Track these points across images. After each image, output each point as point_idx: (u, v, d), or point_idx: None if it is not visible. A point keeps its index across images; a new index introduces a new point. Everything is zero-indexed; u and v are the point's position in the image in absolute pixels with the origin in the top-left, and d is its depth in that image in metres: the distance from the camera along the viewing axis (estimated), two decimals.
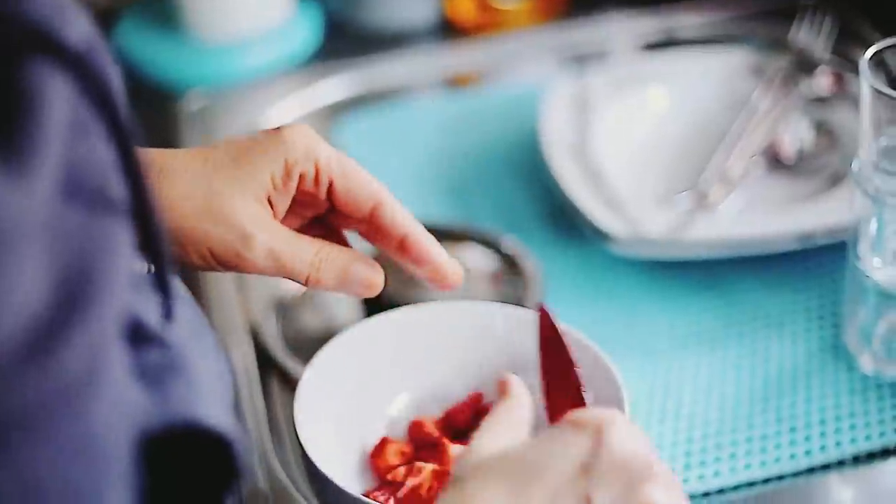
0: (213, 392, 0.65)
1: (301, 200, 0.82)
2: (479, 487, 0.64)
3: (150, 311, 0.64)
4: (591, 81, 1.29)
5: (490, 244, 1.16)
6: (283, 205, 0.80)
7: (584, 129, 1.23)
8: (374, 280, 0.83)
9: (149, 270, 0.66)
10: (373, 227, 0.83)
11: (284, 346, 1.09)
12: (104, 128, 0.56)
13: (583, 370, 0.91)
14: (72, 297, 0.52)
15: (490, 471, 0.65)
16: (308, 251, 0.79)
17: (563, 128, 1.23)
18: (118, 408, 0.55)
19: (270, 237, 0.77)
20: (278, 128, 0.81)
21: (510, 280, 1.13)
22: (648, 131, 1.26)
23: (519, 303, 1.09)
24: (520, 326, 0.94)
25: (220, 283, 1.14)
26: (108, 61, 0.57)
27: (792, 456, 0.95)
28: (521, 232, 1.19)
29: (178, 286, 0.69)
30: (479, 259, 1.15)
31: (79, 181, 0.54)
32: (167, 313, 0.64)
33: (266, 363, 1.07)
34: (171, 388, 0.62)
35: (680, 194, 1.15)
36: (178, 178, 0.77)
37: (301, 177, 0.79)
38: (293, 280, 0.79)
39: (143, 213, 0.59)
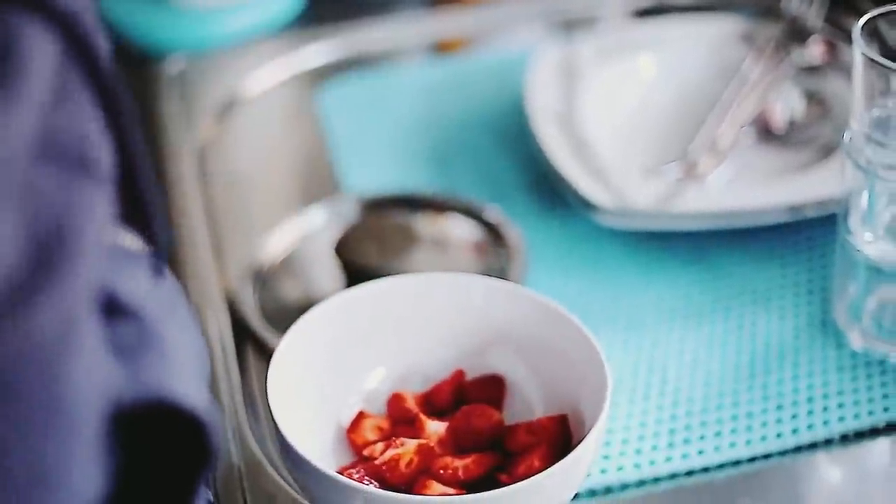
0: (187, 368, 0.63)
1: None
2: None
3: (125, 283, 0.62)
4: (579, 48, 1.26)
5: (473, 214, 1.14)
6: None
7: (570, 96, 1.21)
8: None
9: (127, 242, 0.64)
10: None
11: (261, 317, 1.06)
12: (91, 92, 0.55)
13: (567, 346, 0.89)
14: (45, 259, 0.51)
15: None
16: None
17: (550, 95, 1.21)
18: (90, 377, 0.54)
19: None
20: None
21: (493, 251, 1.11)
22: (637, 100, 1.23)
23: (502, 274, 1.07)
24: (500, 298, 0.92)
25: (197, 251, 1.12)
26: (97, 27, 0.56)
27: (778, 434, 0.93)
28: (506, 201, 1.16)
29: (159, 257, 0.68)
30: (461, 229, 1.13)
31: (58, 143, 0.53)
32: (154, 281, 0.62)
33: (242, 334, 1.05)
34: (145, 362, 0.60)
35: (668, 164, 1.12)
36: None
37: None
38: None
39: (132, 182, 0.57)
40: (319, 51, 1.37)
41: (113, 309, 0.60)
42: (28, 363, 0.50)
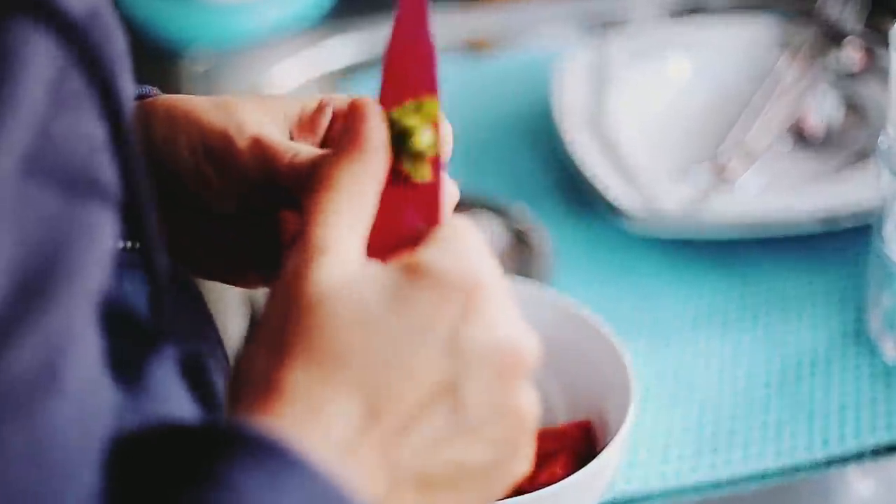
0: (197, 384, 0.60)
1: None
2: (331, 391, 0.53)
3: (132, 293, 0.59)
4: (610, 49, 1.24)
5: (499, 214, 1.11)
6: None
7: (600, 98, 1.18)
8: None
9: (134, 249, 0.61)
10: None
11: None
12: (96, 103, 0.51)
13: (592, 352, 0.87)
14: (34, 286, 0.48)
15: (343, 362, 0.53)
16: (301, 145, 0.67)
17: (579, 97, 1.18)
18: (83, 412, 0.50)
19: (267, 129, 0.67)
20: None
21: (519, 253, 1.08)
22: (668, 103, 1.21)
23: (527, 276, 1.04)
24: (523, 301, 0.89)
25: None
26: (113, 30, 0.53)
27: (808, 446, 0.91)
28: (533, 204, 1.14)
29: (170, 265, 0.65)
30: (486, 229, 1.11)
31: (55, 158, 0.50)
32: (156, 299, 0.59)
33: None
34: (150, 379, 0.57)
35: (698, 166, 1.10)
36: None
37: (334, 117, 0.69)
38: (275, 174, 0.66)
39: (133, 197, 0.54)
40: (346, 48, 1.35)
41: (119, 323, 0.57)
42: (4, 408, 0.46)
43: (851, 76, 1.20)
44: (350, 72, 1.34)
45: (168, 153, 0.67)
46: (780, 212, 1.04)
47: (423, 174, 0.59)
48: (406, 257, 0.56)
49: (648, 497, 0.89)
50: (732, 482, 0.89)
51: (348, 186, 0.57)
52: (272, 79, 1.31)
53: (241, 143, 0.65)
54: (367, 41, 1.36)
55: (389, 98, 0.60)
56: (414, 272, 0.55)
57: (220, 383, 0.63)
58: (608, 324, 0.91)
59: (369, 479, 0.53)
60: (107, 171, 0.52)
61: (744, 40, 1.25)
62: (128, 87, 0.54)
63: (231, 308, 1.05)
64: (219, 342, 0.68)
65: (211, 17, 1.37)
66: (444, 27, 1.38)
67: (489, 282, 0.56)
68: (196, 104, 0.68)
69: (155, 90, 0.72)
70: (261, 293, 1.05)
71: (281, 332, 0.54)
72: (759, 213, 1.05)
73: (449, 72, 1.33)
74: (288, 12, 1.38)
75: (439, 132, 0.60)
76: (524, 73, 1.31)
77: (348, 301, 0.54)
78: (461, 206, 1.11)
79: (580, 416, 0.86)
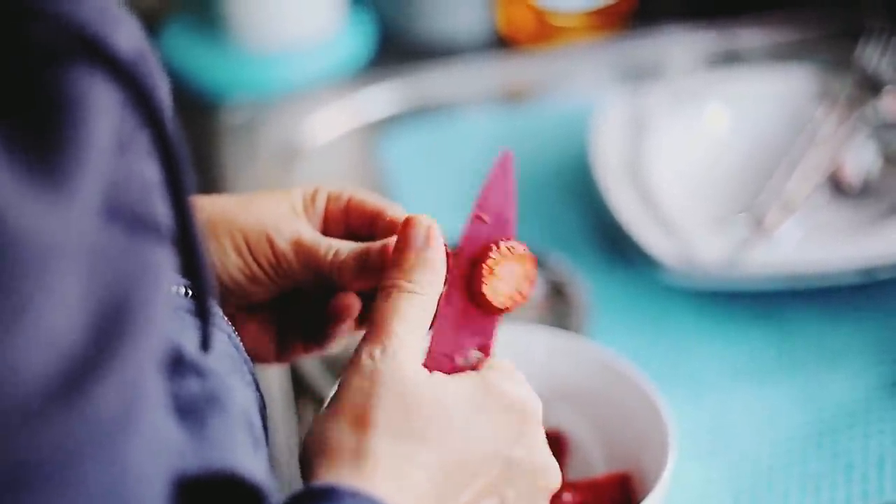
0: (251, 430, 0.61)
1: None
2: (412, 464, 0.63)
3: (189, 338, 0.60)
4: (648, 98, 1.24)
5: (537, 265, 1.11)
6: (322, 199, 0.77)
7: (638, 148, 1.18)
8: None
9: (187, 295, 0.62)
10: (378, 229, 0.78)
11: (322, 370, 1.04)
12: (149, 143, 0.53)
13: (630, 403, 0.86)
14: (110, 328, 0.49)
15: (424, 443, 0.63)
16: (333, 242, 0.75)
17: (617, 146, 1.19)
18: (153, 450, 0.51)
19: (299, 227, 0.75)
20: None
21: (557, 304, 1.08)
22: (705, 153, 1.21)
23: (565, 327, 1.04)
24: (562, 352, 0.90)
25: None
26: (157, 72, 0.54)
27: (847, 499, 0.90)
28: (570, 254, 1.14)
29: (216, 312, 0.66)
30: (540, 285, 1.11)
31: (120, 201, 0.51)
32: (206, 341, 0.60)
33: (301, 387, 1.03)
34: (210, 425, 0.58)
35: (736, 217, 1.10)
36: (215, 197, 0.77)
37: (327, 198, 0.77)
38: (318, 269, 0.74)
39: (185, 236, 0.55)
40: (385, 98, 1.36)
41: (179, 366, 0.58)
42: (87, 446, 0.47)
43: (889, 126, 1.19)
44: (390, 121, 1.34)
45: (214, 253, 0.73)
46: (818, 263, 1.04)
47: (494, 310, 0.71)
48: (475, 374, 0.67)
49: None
50: None
51: (421, 302, 0.67)
52: (311, 129, 1.32)
53: (283, 244, 0.73)
54: (406, 91, 1.36)
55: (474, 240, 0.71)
56: (486, 388, 0.66)
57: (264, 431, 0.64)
58: (645, 375, 0.91)
59: None
60: (161, 211, 0.53)
61: (781, 90, 1.25)
62: (175, 129, 0.55)
63: (272, 368, 1.05)
64: (258, 388, 0.68)
65: (250, 66, 1.38)
66: (481, 76, 1.39)
67: (536, 411, 0.67)
68: (227, 207, 0.75)
69: None
70: None
71: (365, 407, 0.62)
72: (796, 265, 1.04)
73: (486, 121, 1.35)
74: (328, 62, 1.39)
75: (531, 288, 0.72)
76: (561, 122, 1.31)
77: (430, 394, 0.64)
78: None
79: (618, 468, 0.86)
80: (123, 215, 0.51)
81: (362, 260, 0.72)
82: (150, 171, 0.53)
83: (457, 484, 0.64)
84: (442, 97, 1.38)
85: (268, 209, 0.75)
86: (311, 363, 1.04)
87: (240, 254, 0.74)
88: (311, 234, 0.74)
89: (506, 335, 0.90)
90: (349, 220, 0.78)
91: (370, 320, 0.67)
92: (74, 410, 0.46)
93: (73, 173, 0.48)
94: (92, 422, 0.47)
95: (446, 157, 1.30)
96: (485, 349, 0.70)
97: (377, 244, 0.73)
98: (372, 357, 0.64)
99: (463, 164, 1.28)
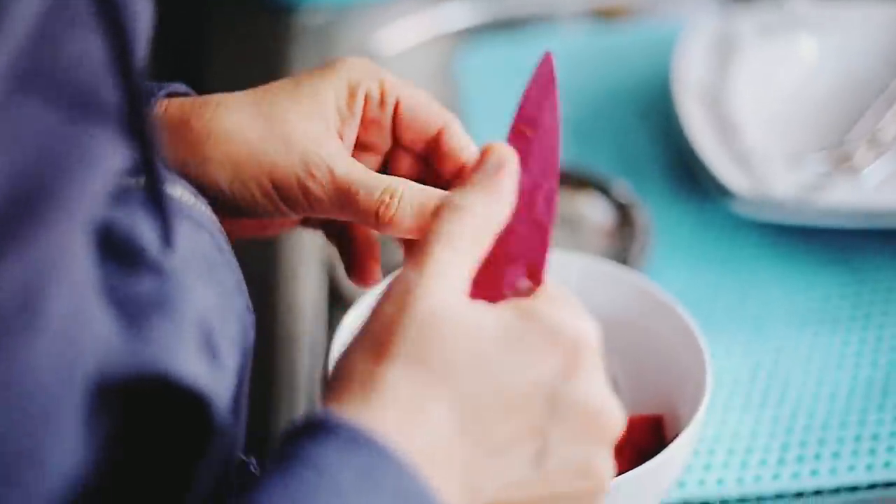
0: (202, 338, 0.55)
1: (363, 140, 0.73)
2: (429, 398, 0.54)
3: (148, 233, 0.55)
4: (738, 23, 1.16)
5: (601, 189, 1.05)
6: (351, 134, 0.71)
7: (722, 74, 1.11)
8: None
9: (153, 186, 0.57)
10: (435, 154, 0.73)
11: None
12: (101, 23, 0.48)
13: (667, 337, 0.80)
14: (22, 207, 0.45)
15: (446, 375, 0.54)
16: (381, 182, 0.68)
17: (700, 71, 1.11)
18: (67, 345, 0.47)
19: (336, 164, 0.68)
20: (334, 59, 0.73)
21: (618, 231, 1.02)
22: (794, 83, 1.13)
23: (624, 257, 0.98)
24: (597, 280, 0.83)
25: None
26: None
27: None
28: (640, 181, 1.08)
29: (201, 213, 0.61)
30: (586, 205, 1.04)
31: (53, 76, 0.47)
32: (167, 237, 0.55)
33: (338, 301, 0.98)
34: (153, 327, 0.53)
35: (819, 153, 1.02)
36: (235, 107, 0.69)
37: (366, 99, 0.71)
38: (361, 220, 0.68)
39: (135, 124, 0.51)
40: (464, 10, 1.29)
41: (129, 262, 0.54)
42: None
43: None
44: (468, 34, 1.28)
45: (239, 196, 0.68)
46: None
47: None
48: (520, 302, 0.58)
49: (724, 502, 0.82)
50: (817, 493, 0.82)
51: (474, 224, 0.58)
52: (388, 36, 1.26)
53: (315, 187, 0.68)
54: (482, 5, 1.30)
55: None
56: (529, 317, 0.57)
57: (231, 356, 0.59)
58: (705, 314, 0.85)
59: (448, 492, 0.53)
60: (109, 94, 0.49)
61: (880, 21, 1.16)
62: (138, 8, 0.50)
63: (308, 275, 1.00)
64: (247, 311, 0.63)
65: None
66: None
67: (592, 344, 0.58)
68: (250, 138, 0.68)
69: (183, 87, 0.71)
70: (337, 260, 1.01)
71: (387, 335, 0.55)
72: (877, 204, 0.96)
73: (570, 39, 1.27)
74: None
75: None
76: (650, 43, 1.24)
77: (462, 323, 0.55)
78: (564, 181, 1.06)
79: (653, 410, 0.80)
80: (57, 94, 0.47)
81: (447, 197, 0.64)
82: (100, 53, 0.49)
83: (486, 421, 0.55)
84: (528, 11, 1.31)
85: (298, 136, 0.68)
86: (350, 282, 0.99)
87: (267, 196, 0.69)
88: (351, 172, 0.68)
89: None
90: (397, 130, 0.73)
91: (416, 241, 0.61)
92: None
93: None
94: None
95: (523, 74, 1.23)
96: (535, 277, 0.61)
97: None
98: (405, 281, 0.56)
99: None
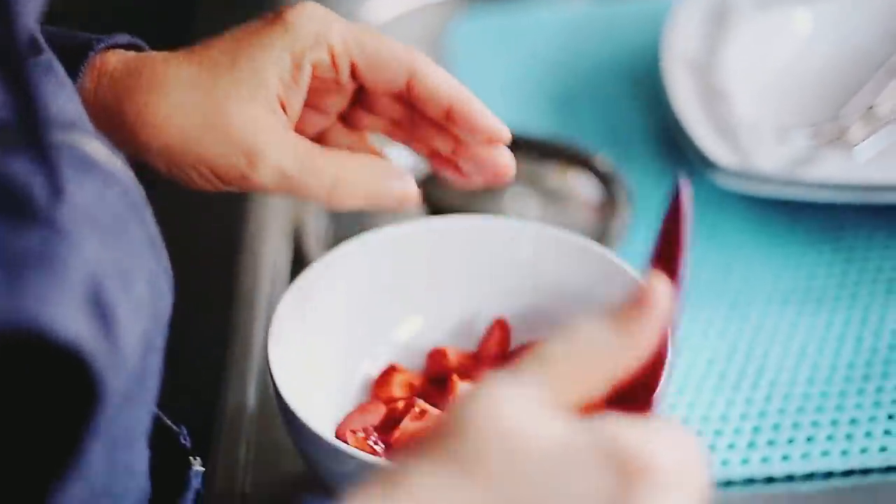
0: (88, 298, 0.51)
1: (322, 89, 0.70)
2: (452, 488, 0.47)
3: (38, 186, 0.51)
4: None
5: (581, 162, 1.01)
6: (298, 103, 0.68)
7: (714, 45, 1.06)
8: (407, 193, 0.70)
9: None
10: (412, 103, 0.71)
11: (328, 244, 0.95)
12: None
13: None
14: None
15: (474, 471, 0.47)
16: (327, 168, 0.66)
17: (691, 41, 1.06)
18: None
19: (280, 153, 0.65)
20: (280, 11, 0.69)
21: (600, 205, 0.98)
22: (788, 56, 1.08)
23: (607, 230, 0.94)
24: (550, 248, 0.79)
25: None
26: None
27: (882, 448, 0.78)
28: (626, 153, 1.04)
29: (113, 169, 0.57)
30: (565, 177, 1.00)
31: None
32: (55, 189, 0.52)
33: (302, 265, 0.94)
34: (30, 281, 0.49)
35: (811, 127, 0.97)
36: (169, 88, 0.66)
37: (314, 66, 0.68)
38: (309, 199, 0.67)
39: (11, 71, 0.48)
40: None
41: (18, 214, 0.50)
42: None
43: None
44: (460, 2, 1.24)
45: (178, 178, 0.67)
46: (891, 179, 0.91)
47: None
48: (604, 420, 0.48)
49: None
50: (789, 479, 0.78)
51: (587, 343, 0.50)
52: (375, 6, 1.22)
53: (257, 178, 0.65)
54: None
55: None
56: (595, 431, 0.47)
57: (135, 319, 0.54)
58: (685, 290, 0.79)
59: None
60: None
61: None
62: None
63: (273, 237, 0.97)
64: (162, 273, 0.59)
65: None
66: None
67: (672, 477, 0.47)
68: (185, 128, 0.65)
69: (125, 38, 0.69)
70: (308, 227, 0.97)
71: (426, 435, 0.48)
72: (870, 177, 0.91)
73: (561, 10, 1.23)
74: None
75: None
76: (642, 15, 1.19)
77: (512, 428, 0.47)
78: (540, 150, 1.02)
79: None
80: None
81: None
82: None
83: None
84: None
85: (239, 126, 0.65)
86: (318, 242, 0.95)
87: (210, 182, 0.67)
88: (296, 160, 0.65)
89: (491, 228, 0.81)
90: (363, 84, 0.70)
91: None
92: None
93: None
94: None
95: (514, 45, 1.19)
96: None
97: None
98: (473, 390, 0.49)
99: (530, 54, 1.18)
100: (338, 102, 0.72)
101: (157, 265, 0.58)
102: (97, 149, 0.56)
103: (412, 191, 0.70)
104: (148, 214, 0.58)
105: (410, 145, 0.74)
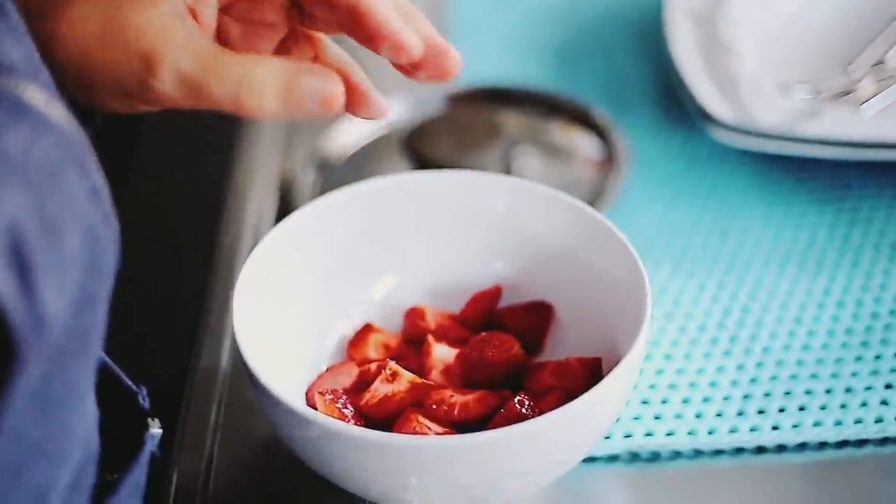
0: (19, 243, 0.48)
1: (256, 18, 0.66)
2: None
3: None
4: None
5: (576, 116, 0.97)
6: (211, 11, 0.63)
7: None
8: (330, 92, 0.60)
9: None
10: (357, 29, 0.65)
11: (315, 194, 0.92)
12: None
13: (605, 266, 0.73)
14: None
15: None
16: (233, 68, 0.59)
17: None
18: None
19: (179, 55, 0.59)
20: None
21: (597, 161, 0.94)
22: (794, 8, 1.03)
23: (603, 187, 0.90)
24: (527, 202, 0.76)
25: (263, 132, 0.99)
26: None
27: (878, 419, 0.75)
28: (624, 107, 1.00)
29: (48, 114, 0.53)
30: (559, 131, 0.97)
31: None
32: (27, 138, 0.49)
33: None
34: None
35: (816, 82, 0.93)
36: (74, 1, 0.61)
37: None
38: (221, 108, 0.60)
39: None
40: None
41: None
42: None
43: None
44: None
45: (90, 100, 0.62)
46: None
47: None
48: None
49: (677, 455, 0.75)
50: (780, 449, 0.74)
51: None
52: None
53: (160, 85, 0.60)
54: None
55: None
56: None
57: (66, 271, 0.51)
58: (680, 250, 0.77)
59: None
60: None
61: None
62: None
63: (261, 186, 0.94)
64: (102, 224, 0.55)
65: None
66: None
67: None
68: (91, 46, 0.60)
69: None
70: (295, 181, 0.94)
71: None
72: (876, 133, 0.87)
73: None
74: None
75: None
76: None
77: None
78: (532, 103, 0.98)
79: (595, 352, 0.72)
80: None
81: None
82: None
83: None
84: None
85: (136, 31, 0.60)
86: (305, 199, 0.92)
87: (121, 101, 0.62)
88: (198, 63, 0.60)
89: (466, 183, 0.78)
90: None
91: None
92: None
93: None
94: None
95: None
96: None
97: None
98: None
99: (533, 6, 1.15)
100: (271, 12, 0.68)
101: (97, 215, 0.54)
102: (33, 95, 0.53)
103: (335, 91, 0.61)
104: (90, 163, 0.55)
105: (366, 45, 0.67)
